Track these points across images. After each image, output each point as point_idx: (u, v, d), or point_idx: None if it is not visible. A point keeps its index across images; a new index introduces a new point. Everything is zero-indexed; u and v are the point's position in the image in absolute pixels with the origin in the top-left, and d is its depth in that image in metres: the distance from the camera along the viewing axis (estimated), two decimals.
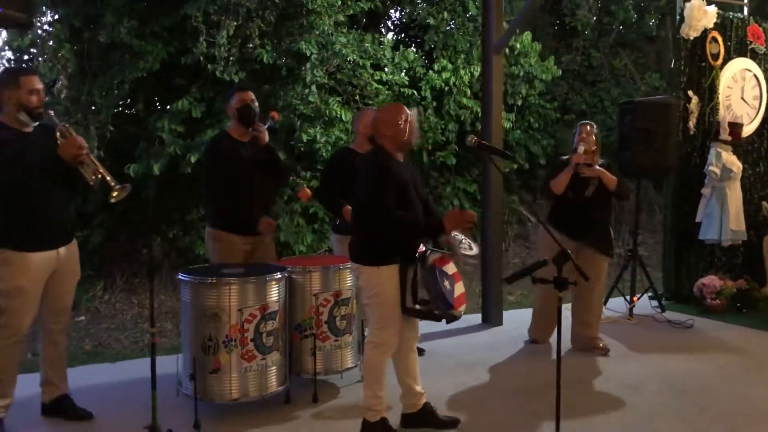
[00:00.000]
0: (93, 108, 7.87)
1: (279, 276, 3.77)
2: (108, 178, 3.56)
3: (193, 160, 7.55)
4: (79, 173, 3.59)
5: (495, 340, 5.41)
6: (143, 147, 7.79)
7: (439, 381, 4.40)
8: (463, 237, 4.03)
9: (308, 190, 4.72)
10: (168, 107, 7.88)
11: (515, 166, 10.54)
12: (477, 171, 10.44)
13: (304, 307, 4.01)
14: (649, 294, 6.24)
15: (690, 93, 6.35)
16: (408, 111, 3.51)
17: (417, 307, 3.47)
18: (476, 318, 5.91)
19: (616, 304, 6.20)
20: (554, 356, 3.23)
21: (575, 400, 4.01)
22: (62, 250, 3.63)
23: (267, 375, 3.73)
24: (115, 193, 3.55)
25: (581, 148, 4.74)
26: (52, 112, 3.61)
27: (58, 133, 3.53)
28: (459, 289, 3.48)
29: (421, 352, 4.90)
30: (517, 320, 5.71)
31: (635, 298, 6.01)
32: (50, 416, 3.76)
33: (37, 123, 3.55)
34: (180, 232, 8.69)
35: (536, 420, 3.80)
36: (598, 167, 4.78)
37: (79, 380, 4.42)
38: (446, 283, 3.40)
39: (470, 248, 4.03)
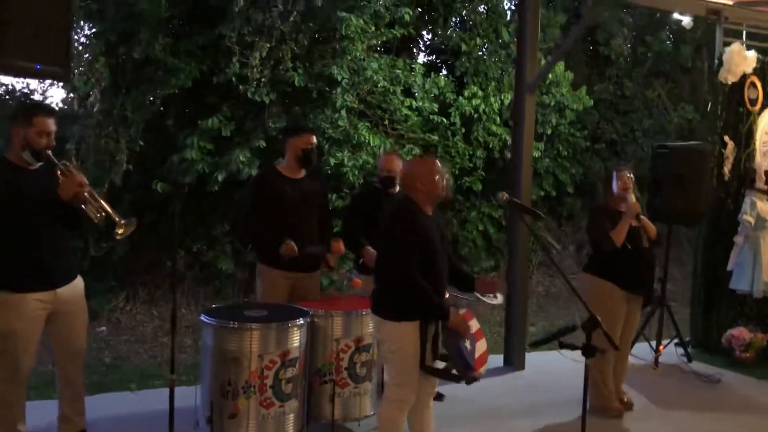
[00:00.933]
0: (124, 122, 7.93)
1: (301, 322, 3.73)
2: (112, 213, 3.47)
3: (220, 178, 7.57)
4: (81, 213, 3.49)
5: (516, 385, 5.33)
6: (172, 162, 7.82)
7: (461, 430, 4.34)
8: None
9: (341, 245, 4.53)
10: (198, 124, 7.90)
11: (542, 193, 10.46)
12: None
13: (324, 351, 3.97)
14: (676, 341, 6.10)
15: (726, 138, 6.22)
16: (440, 164, 3.47)
17: (436, 366, 3.42)
18: (498, 360, 5.83)
19: (641, 351, 6.08)
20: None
21: None
22: (62, 290, 3.53)
23: (284, 422, 3.69)
24: (120, 230, 3.46)
25: (632, 197, 4.60)
26: (49, 152, 3.45)
27: (58, 172, 3.42)
28: (480, 348, 3.42)
29: (440, 397, 4.85)
30: (540, 364, 5.63)
31: (661, 347, 5.88)
32: None
33: (41, 162, 3.47)
34: (204, 246, 8.72)
35: None
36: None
37: (99, 410, 4.42)
38: (467, 343, 3.34)
39: (495, 297, 3.99)
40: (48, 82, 9.00)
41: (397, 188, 4.56)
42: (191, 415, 3.88)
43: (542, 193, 10.43)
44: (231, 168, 7.55)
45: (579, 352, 3.13)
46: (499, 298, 3.93)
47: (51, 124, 3.45)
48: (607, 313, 4.54)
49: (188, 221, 8.66)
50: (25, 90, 9.25)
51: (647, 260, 4.71)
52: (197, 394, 3.77)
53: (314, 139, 4.38)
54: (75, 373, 3.72)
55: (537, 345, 3.35)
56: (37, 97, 9.11)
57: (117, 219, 3.45)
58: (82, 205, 3.45)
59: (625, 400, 4.88)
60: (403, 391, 3.38)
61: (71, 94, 8.43)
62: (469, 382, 3.43)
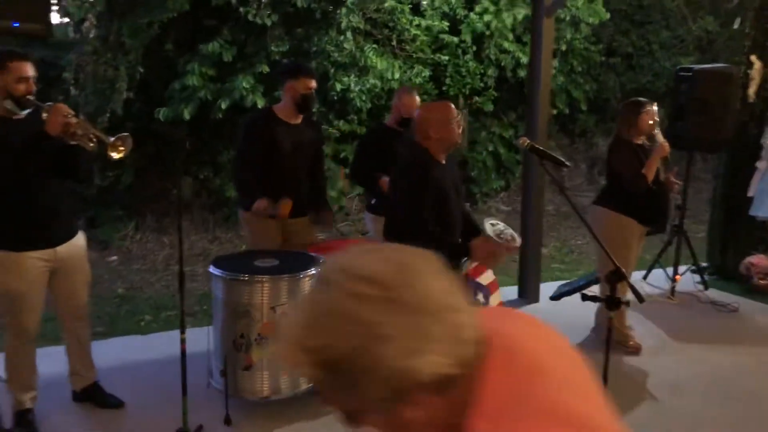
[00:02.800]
0: (122, 48, 7.63)
1: (313, 272, 3.63)
2: (102, 136, 3.22)
3: (223, 106, 7.36)
4: (76, 150, 3.25)
5: None
6: (174, 90, 7.58)
7: None
8: (505, 227, 3.84)
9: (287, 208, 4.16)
10: (198, 49, 7.59)
11: (555, 111, 10.18)
12: (514, 115, 10.11)
13: None
14: (692, 268, 6.02)
15: (753, 58, 5.90)
16: (454, 109, 3.27)
17: None
18: (513, 291, 5.77)
19: (657, 279, 6.00)
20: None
21: (612, 400, 3.89)
22: (62, 248, 3.42)
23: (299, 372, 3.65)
24: (114, 152, 3.16)
25: (661, 136, 4.43)
26: (32, 97, 3.23)
27: (44, 114, 3.18)
28: (494, 300, 3.33)
29: None
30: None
31: (678, 277, 5.80)
32: (82, 401, 3.75)
33: (28, 110, 3.27)
34: (211, 173, 8.60)
35: None
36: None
37: (111, 356, 4.42)
38: (480, 296, 3.24)
39: (513, 239, 3.85)
40: None
41: None
42: (201, 359, 3.87)
43: (555, 111, 10.16)
44: (234, 95, 7.32)
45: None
46: (518, 241, 3.80)
47: (28, 69, 3.21)
48: (624, 250, 4.46)
49: (194, 148, 8.51)
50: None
51: (664, 193, 4.59)
52: (209, 337, 3.71)
53: (314, 83, 4.14)
54: (80, 328, 3.67)
55: (558, 298, 3.25)
56: None
57: (108, 140, 3.17)
58: (74, 138, 3.20)
59: (631, 343, 4.83)
60: None
61: (65, 19, 8.07)
62: None
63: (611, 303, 3.05)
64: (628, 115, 4.48)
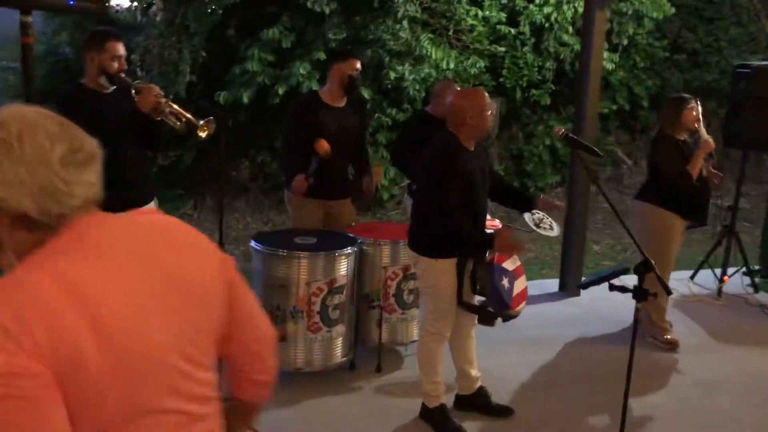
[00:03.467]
0: (186, 32, 7.90)
1: (349, 251, 3.75)
2: (192, 118, 3.51)
3: (280, 91, 7.54)
4: (160, 126, 3.56)
5: (569, 313, 5.26)
6: (234, 74, 7.81)
7: (506, 357, 4.37)
8: (545, 216, 3.87)
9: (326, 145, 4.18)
10: (258, 35, 7.80)
11: (614, 107, 10.01)
12: (573, 109, 9.97)
13: (373, 278, 4.00)
14: (743, 271, 5.87)
15: None
16: (488, 97, 3.32)
17: (473, 302, 3.40)
18: (554, 285, 5.76)
19: (705, 279, 5.89)
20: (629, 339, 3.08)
21: (644, 395, 3.89)
22: (144, 209, 3.69)
23: (332, 346, 3.78)
24: (203, 132, 3.49)
25: (704, 131, 4.38)
26: (123, 75, 3.53)
27: (133, 91, 3.48)
28: (519, 285, 3.35)
29: (491, 322, 4.86)
30: (596, 290, 5.46)
31: (725, 278, 5.67)
32: None
33: (115, 86, 3.55)
34: (267, 157, 8.82)
35: (596, 415, 3.71)
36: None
37: None
38: (505, 281, 3.28)
39: (551, 228, 3.88)
40: None
41: None
42: None
43: (615, 107, 9.99)
44: (291, 81, 7.49)
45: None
46: (555, 230, 3.82)
47: (121, 48, 3.51)
48: (666, 245, 4.46)
49: (252, 132, 8.74)
50: None
51: (706, 187, 4.53)
52: None
53: (359, 65, 4.25)
54: None
55: (585, 287, 3.26)
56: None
57: (197, 122, 3.47)
58: (161, 116, 3.49)
59: (668, 337, 4.77)
60: (439, 323, 3.40)
61: (134, 4, 8.41)
62: (505, 319, 3.41)
63: (639, 294, 3.04)
64: (671, 112, 4.45)
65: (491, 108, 3.28)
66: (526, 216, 3.84)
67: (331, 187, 4.21)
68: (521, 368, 4.25)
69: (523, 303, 3.38)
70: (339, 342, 3.82)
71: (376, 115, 7.99)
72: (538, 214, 3.84)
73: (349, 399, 3.76)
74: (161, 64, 7.91)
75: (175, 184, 8.93)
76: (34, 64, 2.49)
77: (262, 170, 9.10)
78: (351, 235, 4.00)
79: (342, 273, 3.73)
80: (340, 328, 3.79)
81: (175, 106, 3.53)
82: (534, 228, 3.86)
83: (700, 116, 4.41)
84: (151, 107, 3.43)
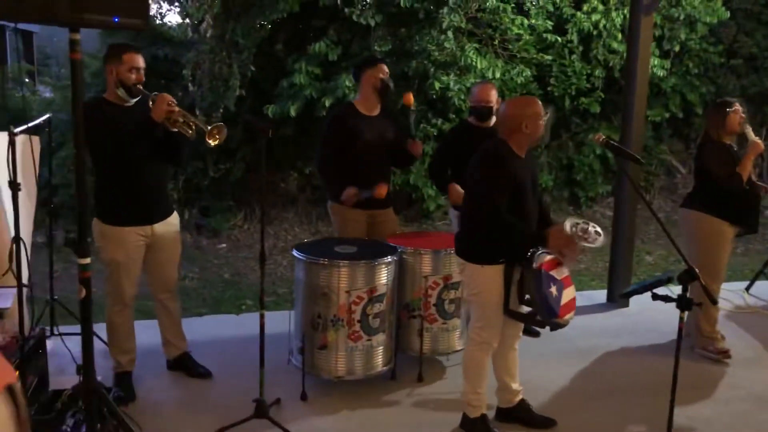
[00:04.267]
0: (236, 47, 8.09)
1: (389, 260, 3.76)
2: (200, 123, 3.52)
3: (327, 103, 7.64)
4: (178, 137, 3.60)
5: (617, 324, 5.15)
6: (282, 88, 7.95)
7: (551, 368, 4.31)
8: (588, 224, 3.78)
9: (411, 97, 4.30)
10: (306, 48, 7.94)
11: (667, 114, 9.79)
12: None
13: (413, 287, 4.01)
14: None
15: None
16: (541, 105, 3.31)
17: (520, 310, 3.36)
18: (601, 295, 5.66)
19: (761, 290, 5.70)
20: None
21: (692, 408, 3.78)
22: (158, 225, 3.74)
23: (373, 355, 3.80)
24: (212, 139, 3.42)
25: (753, 134, 4.29)
26: (141, 87, 3.57)
27: (150, 102, 3.52)
28: (568, 295, 3.30)
29: (536, 334, 4.80)
30: (646, 302, 5.33)
31: None
32: (174, 370, 4.08)
33: (137, 98, 3.61)
34: (315, 169, 8.92)
35: (641, 428, 3.62)
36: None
37: (205, 332, 4.76)
38: (553, 288, 3.23)
39: (596, 238, 3.75)
40: (166, 7, 9.30)
41: (493, 120, 4.40)
42: (285, 339, 4.09)
43: (667, 115, 9.78)
44: (338, 93, 7.58)
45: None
46: (600, 241, 3.71)
47: (139, 60, 3.57)
48: (716, 253, 4.37)
49: (300, 144, 8.89)
50: None
51: (754, 193, 4.41)
52: (290, 320, 3.93)
53: (387, 69, 4.24)
54: (169, 300, 3.97)
55: (628, 296, 3.20)
56: (157, 22, 9.47)
57: (206, 128, 3.46)
58: (175, 126, 3.54)
59: (719, 347, 4.63)
60: (486, 333, 3.37)
61: (186, 20, 8.66)
62: (553, 328, 3.35)
63: (683, 303, 2.97)
64: (715, 116, 4.38)
65: (543, 115, 3.26)
66: (567, 225, 3.73)
67: (374, 197, 4.22)
68: (566, 379, 4.19)
69: (571, 313, 3.32)
70: (380, 351, 3.83)
71: (422, 125, 8.01)
72: (582, 224, 3.76)
73: (389, 409, 3.77)
74: (212, 79, 8.11)
75: (225, 196, 9.12)
76: (83, 80, 2.58)
77: (309, 181, 9.23)
78: (391, 244, 4.01)
79: (382, 282, 3.74)
80: (380, 337, 3.81)
81: (188, 115, 3.58)
82: (576, 240, 3.76)
83: (745, 118, 4.33)
84: (164, 116, 3.48)
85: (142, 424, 3.24)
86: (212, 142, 3.45)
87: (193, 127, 3.55)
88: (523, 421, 3.60)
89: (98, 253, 3.66)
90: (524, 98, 3.75)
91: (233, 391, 3.84)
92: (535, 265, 3.24)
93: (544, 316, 3.23)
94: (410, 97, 4.25)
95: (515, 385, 3.61)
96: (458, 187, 4.28)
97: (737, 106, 4.33)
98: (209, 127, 3.44)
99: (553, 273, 3.26)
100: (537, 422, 3.59)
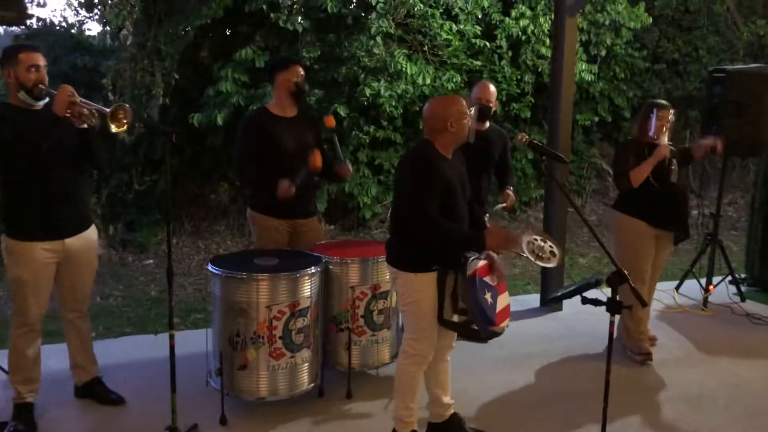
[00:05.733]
0: (159, 55, 7.79)
1: (313, 271, 3.57)
2: (101, 108, 3.24)
3: (248, 114, 7.40)
4: (94, 134, 3.35)
5: (551, 328, 5.09)
6: (208, 96, 7.68)
7: (486, 377, 4.21)
8: (543, 241, 3.62)
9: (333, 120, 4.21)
10: (232, 55, 7.69)
11: (596, 118, 9.93)
12: None
13: (340, 299, 3.83)
14: (729, 280, 5.73)
15: None
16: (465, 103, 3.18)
17: (454, 319, 3.22)
18: (535, 300, 5.60)
19: (691, 290, 5.74)
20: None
21: (626, 413, 3.71)
22: (71, 240, 3.46)
23: (297, 373, 3.59)
24: (116, 125, 3.13)
25: (664, 139, 4.22)
26: (44, 86, 3.29)
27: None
28: (503, 301, 3.17)
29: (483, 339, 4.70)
30: (578, 306, 5.31)
31: (711, 288, 5.53)
32: (83, 398, 3.77)
33: (45, 101, 3.33)
34: (234, 176, 8.67)
35: None
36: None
37: (121, 354, 4.47)
38: (488, 295, 3.10)
39: (552, 256, 3.59)
40: (84, 14, 8.92)
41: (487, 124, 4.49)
42: (204, 360, 3.86)
43: (597, 118, 9.92)
44: (266, 100, 7.35)
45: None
46: (558, 256, 3.55)
47: (37, 58, 3.29)
48: (636, 252, 4.36)
49: (230, 154, 8.61)
50: (63, 24, 9.20)
51: (677, 195, 4.39)
52: (207, 339, 3.69)
53: (302, 71, 4.07)
54: (79, 320, 3.68)
55: (557, 300, 3.11)
56: (74, 31, 9.08)
57: (105, 110, 3.17)
58: (81, 119, 3.27)
59: (652, 335, 4.70)
60: (420, 345, 3.21)
61: (106, 28, 8.31)
62: (489, 337, 3.21)
63: (612, 307, 2.89)
64: (640, 116, 4.40)
65: (469, 114, 3.14)
66: (523, 245, 3.57)
67: (295, 205, 4.01)
68: (502, 388, 4.07)
69: (507, 320, 3.20)
70: (305, 368, 3.63)
71: (354, 132, 7.86)
72: (537, 242, 3.61)
73: (317, 429, 3.57)
74: (134, 88, 7.79)
75: (152, 209, 8.77)
76: None
77: (241, 192, 8.95)
78: (315, 254, 3.82)
79: (306, 294, 3.55)
80: (305, 354, 3.61)
81: (89, 103, 3.31)
82: (532, 259, 3.60)
83: (667, 124, 4.26)
84: (66, 108, 3.21)
85: None
86: (117, 128, 3.17)
87: (96, 114, 3.28)
88: None
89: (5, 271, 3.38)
90: (448, 97, 3.62)
91: (146, 419, 3.57)
92: (469, 272, 3.11)
93: (480, 324, 3.09)
94: (332, 120, 4.12)
95: (446, 399, 3.46)
96: None
97: (663, 112, 4.26)
98: (108, 110, 3.14)
99: (487, 279, 3.14)
100: None
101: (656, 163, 4.20)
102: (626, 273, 2.92)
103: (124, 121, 3.17)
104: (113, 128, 3.16)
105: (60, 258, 3.45)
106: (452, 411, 3.47)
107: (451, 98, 3.37)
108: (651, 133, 4.25)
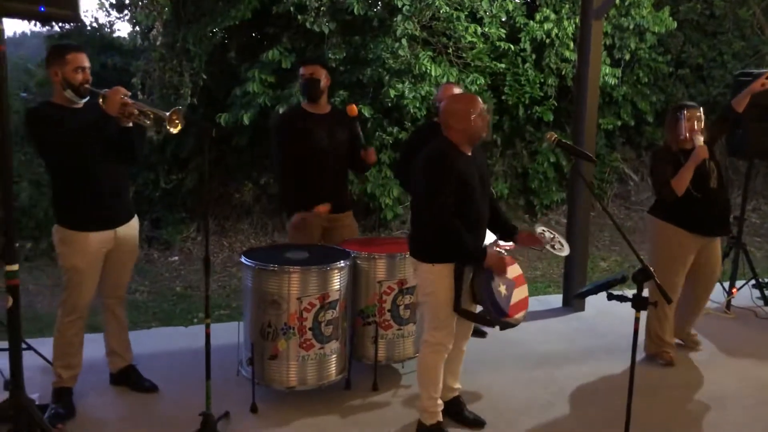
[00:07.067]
0: (187, 55, 7.93)
1: (342, 265, 3.66)
2: (158, 111, 3.37)
3: (281, 111, 7.51)
4: (132, 132, 3.48)
5: (572, 329, 5.13)
6: (235, 96, 7.81)
7: (508, 374, 4.26)
8: (554, 235, 3.73)
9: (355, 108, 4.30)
10: (259, 56, 7.82)
11: (619, 123, 9.94)
12: None
13: (367, 293, 3.91)
14: (752, 283, 5.73)
15: None
16: (481, 102, 3.24)
17: (472, 309, 3.30)
18: (557, 300, 5.65)
19: (714, 293, 5.73)
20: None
21: (648, 411, 3.75)
22: (120, 229, 3.64)
23: (326, 364, 3.68)
24: (173, 127, 3.25)
25: (700, 140, 4.14)
26: (89, 86, 3.44)
27: (100, 100, 3.38)
28: (519, 294, 3.25)
29: (483, 334, 4.79)
30: (601, 305, 5.35)
31: (735, 290, 5.54)
32: (118, 385, 3.89)
33: (86, 99, 3.47)
34: (270, 179, 8.79)
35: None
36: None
37: (153, 344, 4.58)
38: (502, 287, 3.19)
39: (562, 247, 3.69)
40: (115, 15, 9.10)
41: None
42: (235, 351, 3.95)
43: (619, 123, 9.93)
44: (292, 101, 7.47)
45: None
46: (566, 249, 3.65)
47: (84, 59, 3.44)
48: (672, 260, 4.31)
49: (255, 154, 8.73)
50: (94, 24, 9.39)
51: (718, 201, 4.31)
52: (239, 330, 3.79)
53: (311, 70, 4.20)
54: (117, 305, 3.82)
55: (582, 296, 3.16)
56: (106, 30, 9.27)
57: (164, 114, 3.30)
58: (131, 118, 3.41)
59: (696, 340, 4.72)
60: (439, 334, 3.30)
61: (136, 28, 8.47)
62: (503, 327, 3.30)
63: (637, 303, 2.95)
64: (668, 121, 4.31)
65: (481, 110, 3.21)
66: (537, 232, 3.68)
67: (329, 199, 4.15)
68: (523, 384, 4.13)
69: (523, 312, 3.28)
70: (333, 359, 3.72)
71: (377, 133, 7.95)
72: (549, 233, 3.71)
73: (343, 419, 3.65)
74: (162, 88, 7.93)
75: (178, 207, 8.90)
76: (7, 74, 2.44)
77: (265, 192, 9.07)
78: (344, 249, 3.91)
79: (335, 288, 3.64)
80: (333, 345, 3.69)
81: (143, 105, 3.45)
82: (547, 247, 3.70)
83: (698, 124, 4.19)
84: (119, 109, 3.34)
85: None
86: (173, 129, 3.28)
87: (151, 116, 3.42)
88: (454, 417, 3.57)
89: (58, 260, 3.54)
90: (464, 95, 3.70)
91: (180, 406, 3.67)
92: (485, 264, 3.20)
93: (493, 315, 3.18)
94: (354, 108, 4.24)
95: (453, 382, 3.60)
96: None
97: (691, 111, 4.20)
98: (167, 114, 3.27)
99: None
100: (467, 421, 3.57)
101: (695, 167, 4.11)
102: (651, 270, 2.97)
103: (177, 122, 3.29)
104: (171, 130, 3.28)
105: (110, 247, 3.61)
106: (456, 394, 3.61)
107: (459, 96, 3.48)
108: (682, 135, 4.18)
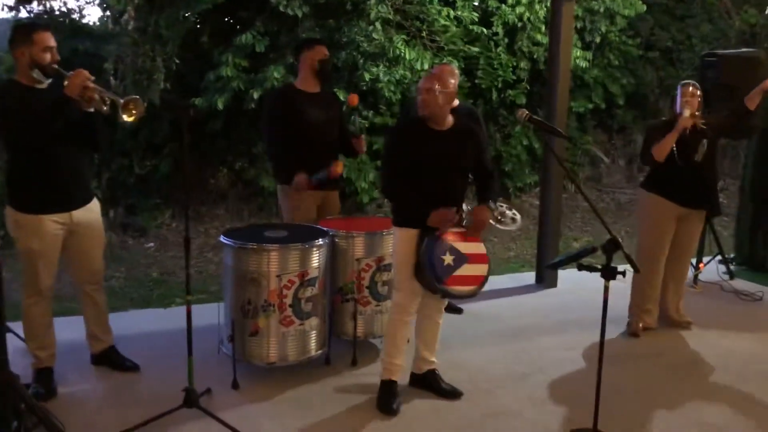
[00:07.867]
0: (160, 40, 7.88)
1: (320, 242, 3.72)
2: (115, 98, 3.29)
3: (255, 96, 7.52)
4: (94, 118, 3.43)
5: (546, 303, 5.27)
6: (209, 80, 7.79)
7: (484, 348, 4.36)
8: (508, 208, 3.86)
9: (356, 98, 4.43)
10: (232, 40, 7.79)
11: (590, 106, 10.08)
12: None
13: (346, 271, 3.98)
14: (718, 259, 5.92)
15: None
16: (436, 82, 3.31)
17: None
18: (530, 277, 5.77)
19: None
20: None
21: (619, 379, 3.88)
22: (77, 213, 3.58)
23: (306, 340, 3.75)
24: (127, 116, 3.19)
25: (686, 112, 4.32)
26: (56, 66, 3.37)
27: (65, 82, 3.29)
28: (470, 270, 3.32)
29: (459, 310, 4.90)
30: (573, 281, 5.51)
31: (701, 265, 5.71)
32: (99, 365, 3.91)
33: (50, 80, 3.43)
34: (246, 164, 8.79)
35: (573, 402, 3.69)
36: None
37: (130, 326, 4.59)
38: (447, 257, 3.28)
39: (513, 221, 3.84)
40: (84, 0, 8.98)
41: None
42: (215, 331, 4.00)
43: (590, 106, 10.07)
44: (266, 85, 7.48)
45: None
46: (518, 222, 3.79)
47: (51, 39, 3.39)
48: (651, 230, 4.51)
49: (230, 138, 8.72)
50: (63, 9, 9.25)
51: (702, 173, 4.45)
52: (219, 312, 3.84)
53: (326, 51, 4.28)
54: (95, 291, 3.81)
55: (555, 267, 3.26)
56: (75, 16, 9.13)
57: (119, 101, 3.23)
58: (91, 103, 3.33)
59: (686, 319, 4.82)
60: (398, 294, 3.48)
61: (107, 13, 8.38)
62: (442, 295, 3.45)
63: (607, 273, 3.05)
64: (673, 98, 4.54)
65: (430, 88, 3.29)
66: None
67: (329, 178, 4.24)
68: (499, 357, 4.23)
69: (467, 287, 3.34)
70: (313, 335, 3.79)
71: (352, 117, 7.98)
72: (501, 208, 3.82)
73: (323, 393, 3.72)
74: (135, 73, 7.87)
75: (153, 193, 8.86)
76: None
77: (240, 177, 9.06)
78: (322, 227, 3.97)
79: (314, 265, 3.70)
80: (313, 321, 3.76)
81: (104, 90, 3.38)
82: (494, 224, 3.83)
83: (692, 99, 4.37)
84: (79, 92, 3.27)
85: (64, 420, 3.09)
86: (127, 118, 3.23)
87: (108, 101, 3.35)
88: (431, 388, 3.70)
89: (14, 243, 3.50)
90: (432, 72, 3.77)
91: (161, 383, 3.72)
92: (437, 233, 3.32)
93: (428, 277, 3.29)
94: (355, 98, 4.36)
95: (427, 354, 3.71)
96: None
97: (685, 88, 4.41)
98: (122, 100, 3.22)
99: (456, 245, 3.32)
100: (445, 392, 3.69)
101: (679, 137, 4.26)
102: (620, 240, 3.08)
103: (134, 112, 3.25)
104: (124, 118, 3.23)
105: (67, 230, 3.57)
106: (433, 367, 3.73)
107: (430, 73, 3.53)
108: (678, 111, 4.38)
